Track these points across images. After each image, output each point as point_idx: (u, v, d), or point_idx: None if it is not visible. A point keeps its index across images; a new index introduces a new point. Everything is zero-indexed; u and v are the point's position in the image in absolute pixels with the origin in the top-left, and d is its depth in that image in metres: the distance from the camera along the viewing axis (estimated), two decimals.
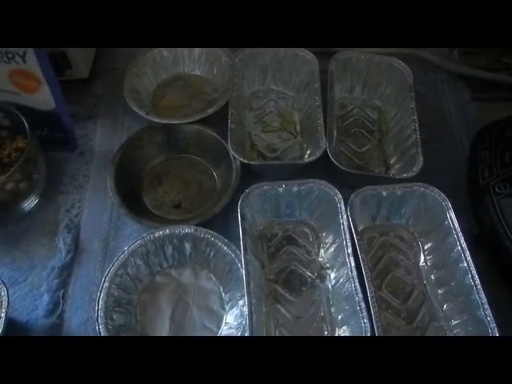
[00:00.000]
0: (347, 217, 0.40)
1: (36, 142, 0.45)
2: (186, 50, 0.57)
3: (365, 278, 0.37)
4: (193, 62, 0.57)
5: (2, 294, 0.35)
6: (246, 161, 0.45)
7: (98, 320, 0.36)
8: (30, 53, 0.41)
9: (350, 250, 0.38)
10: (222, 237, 0.41)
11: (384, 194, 0.42)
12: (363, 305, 0.36)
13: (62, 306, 0.40)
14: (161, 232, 0.41)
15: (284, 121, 0.54)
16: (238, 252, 0.39)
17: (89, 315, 0.39)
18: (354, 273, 0.37)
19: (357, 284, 0.37)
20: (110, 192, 0.44)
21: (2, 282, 0.36)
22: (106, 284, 0.38)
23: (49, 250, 0.43)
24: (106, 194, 0.47)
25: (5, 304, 0.35)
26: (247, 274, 0.37)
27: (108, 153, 0.49)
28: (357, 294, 0.36)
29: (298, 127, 0.53)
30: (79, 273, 0.42)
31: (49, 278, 0.41)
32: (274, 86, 0.56)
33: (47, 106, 0.46)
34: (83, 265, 0.42)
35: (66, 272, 0.42)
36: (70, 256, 0.42)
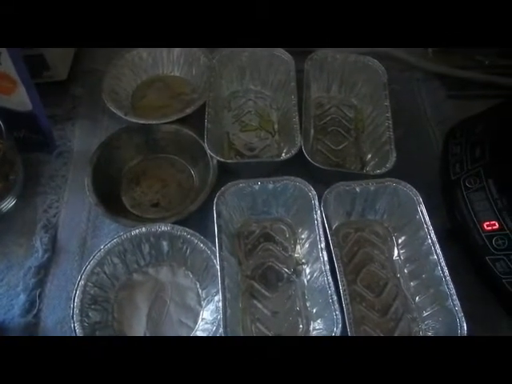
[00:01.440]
0: (321, 212, 0.41)
1: (12, 143, 0.45)
2: (164, 51, 0.57)
3: (337, 272, 0.37)
4: (172, 63, 0.58)
5: None
6: (222, 159, 0.46)
7: (73, 317, 0.36)
8: (5, 54, 0.41)
9: (323, 245, 0.39)
10: (198, 234, 0.41)
11: (357, 189, 0.43)
12: (335, 297, 0.36)
13: (39, 305, 0.40)
14: (137, 230, 0.41)
15: (262, 120, 0.54)
16: (214, 249, 0.40)
17: (65, 314, 0.39)
18: (327, 267, 0.38)
19: (329, 277, 0.37)
20: (87, 192, 0.45)
21: None
22: (82, 282, 0.38)
23: (26, 250, 0.43)
24: (84, 194, 0.46)
25: None
26: (222, 270, 0.38)
27: (87, 154, 0.49)
28: (329, 287, 0.37)
29: (275, 126, 0.54)
30: (56, 272, 0.42)
31: (25, 277, 0.41)
32: (253, 86, 0.57)
33: (24, 107, 0.46)
34: (60, 264, 0.43)
35: (43, 271, 0.42)
36: (47, 255, 0.42)
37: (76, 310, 0.36)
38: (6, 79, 0.43)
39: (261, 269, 0.43)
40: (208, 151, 0.46)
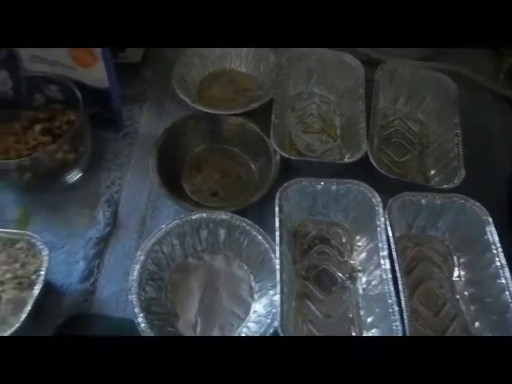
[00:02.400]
0: (384, 220, 0.40)
1: (86, 117, 0.46)
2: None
3: (399, 283, 0.36)
4: (240, 58, 0.59)
5: (44, 253, 0.37)
6: (286, 155, 0.46)
7: (130, 290, 0.36)
8: None
9: (385, 253, 0.38)
10: (257, 226, 0.41)
11: (423, 201, 0.42)
12: (396, 308, 0.35)
13: (96, 274, 0.41)
14: (198, 215, 0.41)
15: (325, 124, 0.54)
16: (273, 243, 0.40)
17: (121, 287, 0.40)
18: (389, 275, 0.37)
19: (391, 286, 0.36)
20: (151, 173, 0.46)
21: (45, 243, 0.37)
22: (142, 257, 0.38)
23: (88, 221, 0.44)
24: (146, 175, 0.48)
25: (45, 264, 0.36)
26: (281, 264, 0.37)
27: (152, 137, 0.51)
28: (390, 297, 0.36)
29: (338, 131, 0.53)
30: (115, 246, 0.43)
31: (86, 246, 0.42)
32: (317, 90, 0.57)
33: (100, 84, 0.47)
34: (119, 239, 0.43)
35: (102, 243, 0.43)
36: (108, 229, 0.43)
37: (134, 283, 0.37)
38: (87, 52, 0.44)
39: (315, 270, 0.42)
40: (273, 146, 0.46)
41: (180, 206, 0.44)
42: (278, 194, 0.41)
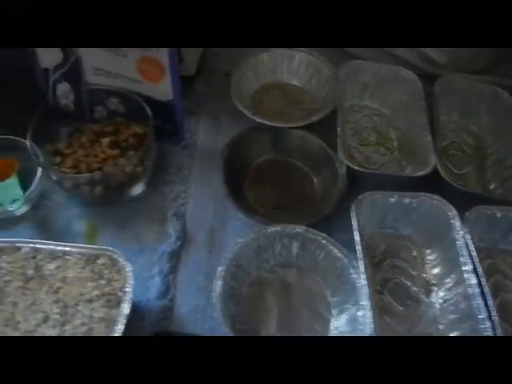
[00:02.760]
0: (464, 234, 0.40)
1: (153, 129, 0.46)
2: (286, 59, 0.58)
3: (487, 297, 0.36)
4: (291, 71, 0.59)
5: (127, 269, 0.36)
6: (356, 168, 0.46)
7: (215, 305, 0.36)
8: None
9: (468, 267, 0.38)
10: (333, 240, 0.41)
11: (498, 215, 0.42)
12: (488, 324, 0.35)
13: (173, 290, 0.40)
14: (273, 228, 0.41)
15: (380, 137, 0.54)
16: (350, 257, 0.39)
17: (197, 303, 0.40)
18: (476, 290, 0.37)
19: (479, 302, 0.36)
20: (218, 184, 0.46)
21: (127, 259, 0.37)
22: (223, 272, 0.38)
23: (157, 235, 0.44)
24: (209, 187, 0.48)
25: (130, 280, 0.35)
26: (367, 279, 0.37)
27: (210, 149, 0.51)
28: (480, 312, 0.36)
29: (395, 144, 0.54)
30: (187, 260, 0.42)
31: (160, 261, 0.41)
32: (369, 103, 0.57)
33: (164, 97, 0.47)
34: (191, 253, 0.43)
35: (175, 258, 0.42)
36: (179, 243, 0.43)
37: (218, 300, 0.36)
38: (157, 66, 0.44)
39: (389, 284, 0.42)
40: (341, 158, 0.46)
41: (251, 219, 0.43)
42: (353, 208, 0.41)
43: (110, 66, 0.46)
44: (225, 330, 0.35)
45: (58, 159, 0.44)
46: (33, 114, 0.47)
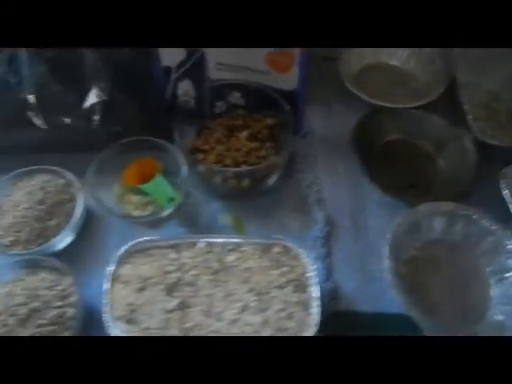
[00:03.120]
0: None
1: (290, 119, 0.46)
2: None
3: None
4: (390, 52, 0.59)
5: (302, 256, 0.37)
6: (496, 142, 0.46)
7: (393, 286, 0.37)
8: None
9: None
10: (483, 214, 0.42)
11: None
12: None
13: (333, 273, 0.41)
14: (422, 207, 0.42)
15: (489, 112, 0.54)
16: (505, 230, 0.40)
17: (357, 283, 0.41)
18: None
19: None
20: (347, 169, 0.48)
21: (300, 247, 0.38)
22: (387, 253, 0.39)
23: (301, 222, 0.45)
24: (338, 173, 0.49)
25: (310, 266, 0.37)
26: None
27: (328, 136, 0.52)
28: None
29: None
30: (338, 245, 0.44)
31: (314, 247, 0.43)
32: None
33: (289, 86, 0.47)
34: (339, 237, 0.44)
35: (327, 243, 0.43)
36: (327, 229, 0.44)
37: (390, 278, 0.37)
38: (287, 56, 0.44)
39: None
40: (474, 134, 0.47)
41: (390, 199, 0.44)
42: (502, 181, 0.42)
43: (234, 60, 0.46)
44: (408, 307, 0.36)
45: (200, 156, 0.45)
46: (154, 113, 0.48)
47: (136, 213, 0.44)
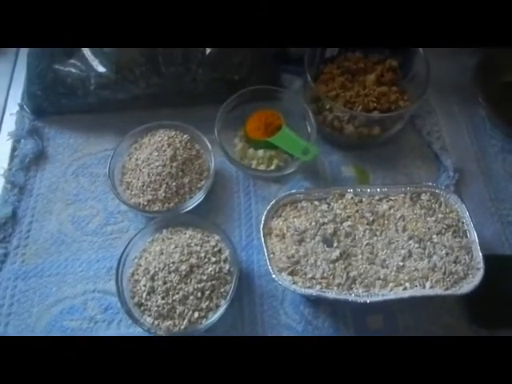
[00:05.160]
0: None
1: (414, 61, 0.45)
2: None
3: None
4: None
5: (454, 203, 0.37)
6: None
7: None
8: None
9: None
10: None
11: None
12: None
13: None
14: None
15: None
16: None
17: (494, 227, 0.41)
18: None
19: None
20: (463, 113, 0.47)
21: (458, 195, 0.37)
22: None
23: (425, 170, 0.44)
24: (454, 118, 0.47)
25: (465, 212, 0.36)
26: None
27: (438, 80, 0.49)
28: None
29: None
30: (468, 191, 0.43)
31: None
32: None
33: None
34: (468, 184, 0.44)
35: (457, 190, 0.42)
36: (457, 175, 0.43)
37: None
38: None
39: None
40: None
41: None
42: None
43: None
44: None
45: (326, 103, 0.42)
46: (265, 61, 0.45)
47: (261, 167, 0.43)
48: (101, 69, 0.40)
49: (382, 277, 0.34)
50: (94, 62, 0.40)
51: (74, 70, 0.41)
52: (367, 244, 0.35)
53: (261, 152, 0.43)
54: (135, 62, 0.40)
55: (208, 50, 0.41)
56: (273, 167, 0.43)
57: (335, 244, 0.35)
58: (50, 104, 0.44)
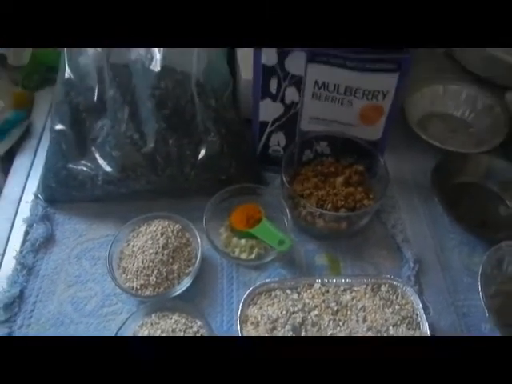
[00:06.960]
0: None
1: (384, 166, 0.51)
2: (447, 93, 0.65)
3: None
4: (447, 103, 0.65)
5: (409, 294, 0.41)
6: None
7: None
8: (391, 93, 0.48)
9: None
10: None
11: None
12: None
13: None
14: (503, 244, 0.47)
15: None
16: None
17: (452, 319, 0.45)
18: None
19: None
20: (425, 208, 0.53)
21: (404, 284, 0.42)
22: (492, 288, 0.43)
23: (391, 261, 0.50)
24: (417, 213, 0.54)
25: (419, 304, 0.41)
26: None
27: (401, 179, 0.57)
28: None
29: None
30: (429, 281, 0.48)
31: (408, 284, 0.46)
32: None
33: (373, 137, 0.52)
34: (427, 274, 0.48)
35: (417, 281, 0.47)
36: (417, 266, 0.48)
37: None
38: (378, 111, 0.50)
39: None
40: None
41: (470, 235, 0.50)
42: None
43: (328, 115, 0.52)
44: None
45: (301, 200, 0.49)
46: (249, 163, 0.53)
47: (243, 256, 0.48)
48: (108, 168, 0.48)
49: None
50: (103, 163, 0.48)
51: (85, 169, 0.49)
52: (331, 335, 0.40)
53: (243, 241, 0.49)
54: (138, 164, 0.48)
55: (200, 156, 0.49)
56: (253, 256, 0.48)
57: (303, 333, 0.40)
58: (62, 194, 0.51)
